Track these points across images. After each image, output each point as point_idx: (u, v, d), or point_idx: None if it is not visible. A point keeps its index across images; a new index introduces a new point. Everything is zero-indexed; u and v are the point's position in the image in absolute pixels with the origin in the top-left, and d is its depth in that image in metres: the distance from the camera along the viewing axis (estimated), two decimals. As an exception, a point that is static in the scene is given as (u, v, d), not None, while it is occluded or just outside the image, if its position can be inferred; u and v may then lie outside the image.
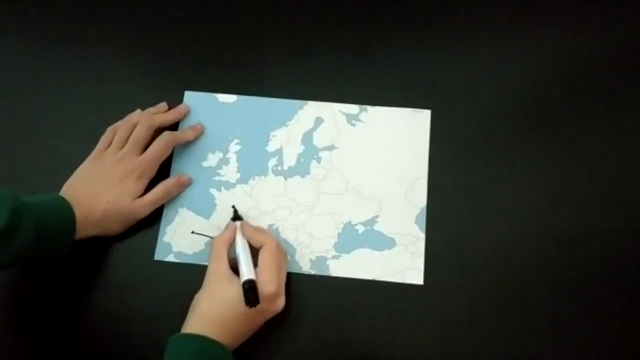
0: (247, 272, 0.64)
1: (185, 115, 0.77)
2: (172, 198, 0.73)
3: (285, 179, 0.74)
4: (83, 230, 0.67)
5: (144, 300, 0.70)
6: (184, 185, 0.74)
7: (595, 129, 0.74)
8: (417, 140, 0.75)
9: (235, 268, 0.65)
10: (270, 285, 0.63)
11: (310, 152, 0.75)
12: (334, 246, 0.71)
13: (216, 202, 0.73)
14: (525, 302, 0.68)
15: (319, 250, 0.71)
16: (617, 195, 0.72)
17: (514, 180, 0.73)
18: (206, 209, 0.73)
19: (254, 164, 0.75)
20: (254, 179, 0.74)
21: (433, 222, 0.71)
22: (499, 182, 0.73)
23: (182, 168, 0.75)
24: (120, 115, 0.75)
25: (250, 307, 0.61)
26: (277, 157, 0.75)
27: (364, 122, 0.76)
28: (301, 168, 0.74)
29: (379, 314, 0.68)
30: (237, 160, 0.75)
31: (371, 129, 0.75)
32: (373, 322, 0.68)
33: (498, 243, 0.70)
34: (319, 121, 0.76)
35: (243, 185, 0.74)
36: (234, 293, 0.63)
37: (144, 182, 0.72)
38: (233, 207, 0.71)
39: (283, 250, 0.68)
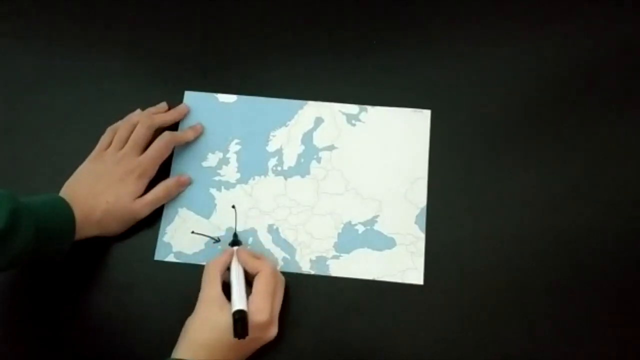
0: (238, 301, 0.62)
1: (186, 115, 0.77)
2: (172, 198, 0.73)
3: (285, 179, 0.74)
4: (83, 230, 0.67)
5: (144, 300, 0.70)
6: (184, 185, 0.74)
7: (595, 129, 0.74)
8: (417, 140, 0.75)
9: (228, 293, 0.65)
10: (262, 314, 0.62)
11: (310, 152, 0.75)
12: (334, 246, 0.71)
13: (216, 202, 0.73)
14: (525, 302, 0.68)
15: (319, 250, 0.71)
16: (616, 196, 0.71)
17: (514, 181, 0.73)
18: (206, 209, 0.73)
19: (254, 164, 0.75)
20: (254, 179, 0.74)
21: (433, 222, 0.71)
22: (499, 182, 0.73)
23: (182, 168, 0.75)
24: (120, 115, 0.75)
25: (239, 338, 0.61)
26: (277, 157, 0.75)
27: (364, 122, 0.76)
28: (301, 168, 0.74)
29: (379, 314, 0.68)
30: (237, 160, 0.75)
31: (371, 129, 0.75)
32: (373, 322, 0.68)
33: (498, 243, 0.70)
34: (319, 121, 0.76)
35: (243, 185, 0.74)
36: (225, 319, 0.62)
37: (144, 182, 0.71)
38: (234, 234, 0.70)
39: (279, 277, 0.67)
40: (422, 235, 0.71)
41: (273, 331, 0.65)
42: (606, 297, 0.68)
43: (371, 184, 0.73)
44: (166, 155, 0.73)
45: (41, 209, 0.64)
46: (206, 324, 0.63)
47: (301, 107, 0.77)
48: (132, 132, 0.72)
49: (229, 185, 0.74)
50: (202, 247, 0.72)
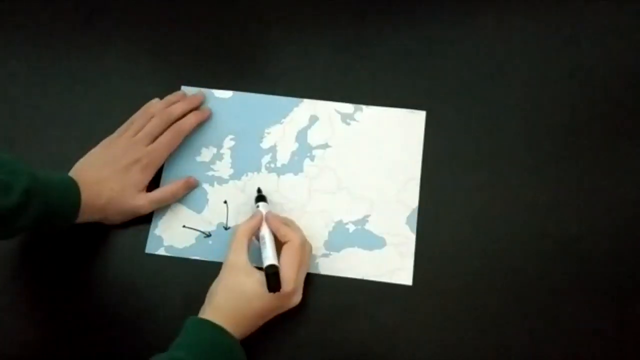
0: (271, 258, 0.64)
1: (202, 103, 0.77)
2: (178, 200, 0.73)
3: (278, 176, 0.74)
4: (85, 215, 0.68)
5: (134, 293, 0.71)
6: (192, 187, 0.74)
7: (595, 129, 0.74)
8: (411, 141, 0.75)
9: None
10: (288, 284, 0.63)
11: (304, 150, 0.75)
12: (324, 244, 0.71)
13: (208, 197, 0.74)
14: (516, 304, 0.68)
15: (309, 248, 0.71)
16: (614, 196, 0.71)
17: (507, 183, 0.72)
18: (198, 204, 0.73)
19: (247, 160, 0.75)
20: (247, 175, 0.74)
21: (424, 223, 0.71)
22: (492, 185, 0.72)
23: (175, 162, 0.75)
24: (117, 112, 0.75)
25: (273, 292, 0.62)
26: (270, 154, 0.75)
27: (358, 122, 0.76)
28: (294, 166, 0.74)
29: (367, 313, 0.68)
30: (231, 156, 0.75)
31: (366, 129, 0.75)
32: (360, 322, 0.68)
33: (489, 245, 0.70)
34: (313, 119, 0.76)
35: (236, 181, 0.74)
36: (252, 287, 0.63)
37: (150, 172, 0.72)
38: (258, 189, 0.72)
39: (307, 247, 0.68)
40: (413, 236, 0.71)
41: (296, 299, 0.66)
42: (600, 299, 0.68)
43: (363, 184, 0.73)
44: (175, 147, 0.73)
45: (53, 190, 0.64)
46: (232, 291, 0.64)
47: (296, 105, 0.77)
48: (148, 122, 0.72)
49: (221, 181, 0.74)
50: (193, 241, 0.72)
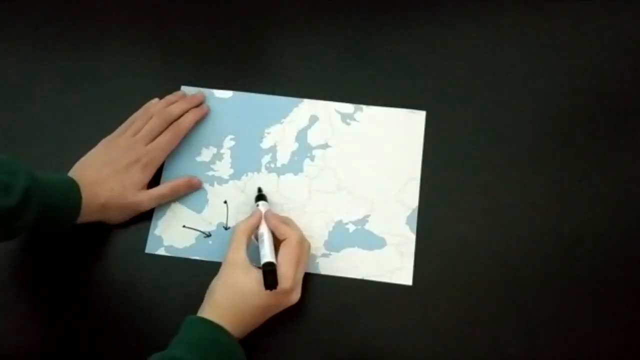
0: (268, 255, 0.64)
1: (202, 102, 0.77)
2: (178, 198, 0.73)
3: (278, 176, 0.74)
4: (85, 215, 0.68)
5: (134, 293, 0.71)
6: (194, 187, 0.74)
7: (594, 129, 0.74)
8: (412, 141, 0.75)
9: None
10: (286, 281, 0.64)
11: (304, 150, 0.75)
12: (324, 244, 0.71)
13: (208, 197, 0.74)
14: (516, 304, 0.68)
15: (309, 248, 0.71)
16: (614, 196, 0.71)
17: (507, 183, 0.72)
18: (198, 204, 0.73)
19: (247, 160, 0.75)
20: (247, 175, 0.74)
21: (424, 223, 0.71)
22: (492, 185, 0.73)
23: (175, 162, 0.75)
24: (117, 112, 0.75)
25: (270, 289, 0.62)
26: (270, 154, 0.75)
27: (358, 122, 0.76)
28: (294, 166, 0.74)
29: (367, 314, 0.68)
30: (231, 156, 0.75)
31: (366, 129, 0.75)
32: (360, 322, 0.68)
33: (489, 245, 0.70)
34: (313, 119, 0.76)
35: (236, 181, 0.74)
36: (250, 285, 0.63)
37: (150, 171, 0.72)
38: (259, 189, 0.72)
39: (305, 245, 0.68)
40: (413, 236, 0.71)
41: (295, 296, 0.66)
42: (599, 299, 0.68)
43: (363, 184, 0.73)
44: (174, 146, 0.73)
45: (53, 191, 0.64)
46: (230, 288, 0.64)
47: (296, 105, 0.77)
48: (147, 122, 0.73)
49: (221, 181, 0.74)
50: (193, 241, 0.72)
